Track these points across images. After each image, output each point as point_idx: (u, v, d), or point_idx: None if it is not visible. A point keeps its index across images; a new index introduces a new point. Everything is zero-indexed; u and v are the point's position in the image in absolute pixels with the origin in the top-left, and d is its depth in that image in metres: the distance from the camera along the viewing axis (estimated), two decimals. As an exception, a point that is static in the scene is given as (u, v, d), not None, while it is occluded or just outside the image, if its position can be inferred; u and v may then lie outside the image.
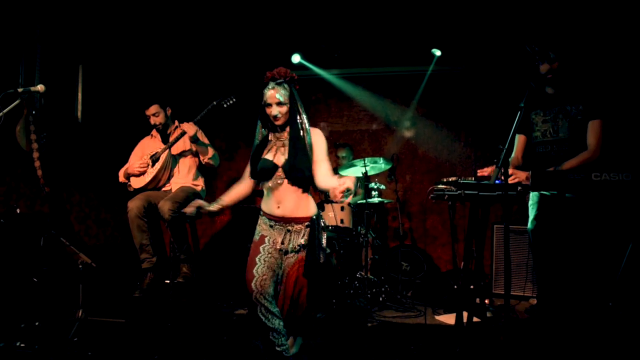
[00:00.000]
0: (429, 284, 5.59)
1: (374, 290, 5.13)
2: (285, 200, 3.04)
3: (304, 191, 3.09)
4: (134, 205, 4.38)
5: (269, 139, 3.14)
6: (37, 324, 4.00)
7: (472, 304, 3.73)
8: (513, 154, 3.73)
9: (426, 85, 6.53)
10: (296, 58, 6.52)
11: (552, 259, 3.40)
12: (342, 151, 6.16)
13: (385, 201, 5.45)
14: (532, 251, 3.66)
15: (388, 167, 5.44)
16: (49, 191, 4.51)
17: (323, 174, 3.07)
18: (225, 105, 4.84)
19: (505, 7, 5.34)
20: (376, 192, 5.43)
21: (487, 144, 6.25)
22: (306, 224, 3.06)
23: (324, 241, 3.09)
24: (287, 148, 3.02)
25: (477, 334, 3.64)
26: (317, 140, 3.10)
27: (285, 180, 3.02)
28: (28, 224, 4.42)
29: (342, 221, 5.18)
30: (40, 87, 2.94)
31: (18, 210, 4.39)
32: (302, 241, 3.02)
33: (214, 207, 3.19)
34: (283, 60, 6.53)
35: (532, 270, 4.80)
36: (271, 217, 3.09)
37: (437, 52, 6.25)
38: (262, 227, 3.13)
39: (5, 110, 2.78)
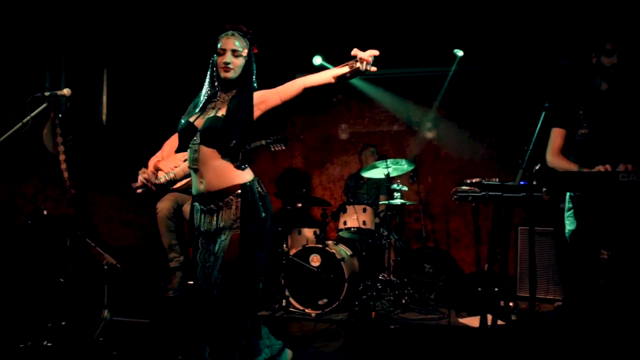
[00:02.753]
0: (452, 286, 5.54)
1: (396, 292, 5.11)
2: (206, 172, 2.55)
3: (233, 162, 2.56)
4: (164, 206, 4.43)
5: (211, 98, 2.68)
6: (63, 323, 4.07)
7: (496, 306, 3.69)
8: (550, 148, 3.60)
9: (448, 86, 6.49)
10: (317, 60, 6.52)
11: (592, 260, 3.31)
12: (368, 152, 6.15)
13: (408, 203, 5.42)
14: (569, 253, 3.56)
15: (410, 168, 5.41)
16: (74, 193, 4.58)
17: (294, 81, 2.61)
18: (272, 149, 4.97)
19: (529, 5, 5.28)
20: (398, 194, 5.40)
21: (511, 145, 6.17)
22: (237, 192, 2.55)
23: (263, 214, 2.58)
24: (217, 109, 2.58)
25: (502, 337, 3.60)
26: (263, 92, 2.65)
27: (202, 147, 2.53)
28: (55, 226, 4.49)
29: (364, 223, 5.17)
30: (66, 91, 2.98)
31: (45, 212, 4.46)
32: (233, 216, 2.53)
33: (162, 180, 2.85)
34: (304, 61, 6.55)
35: (557, 272, 4.72)
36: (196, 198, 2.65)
37: (460, 53, 6.21)
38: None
39: (32, 114, 2.82)
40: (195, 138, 2.55)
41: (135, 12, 5.29)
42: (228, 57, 2.57)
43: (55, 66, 4.70)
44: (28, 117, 2.85)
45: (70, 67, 4.78)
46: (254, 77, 2.67)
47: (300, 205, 5.51)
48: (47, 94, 2.97)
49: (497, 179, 3.06)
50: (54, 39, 4.68)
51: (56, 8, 4.65)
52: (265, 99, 2.60)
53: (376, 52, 2.43)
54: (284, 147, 5.03)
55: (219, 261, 2.50)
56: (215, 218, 2.56)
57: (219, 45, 2.61)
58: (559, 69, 3.50)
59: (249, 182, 2.59)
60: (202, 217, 2.61)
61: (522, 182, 2.86)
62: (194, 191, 2.63)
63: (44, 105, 3.02)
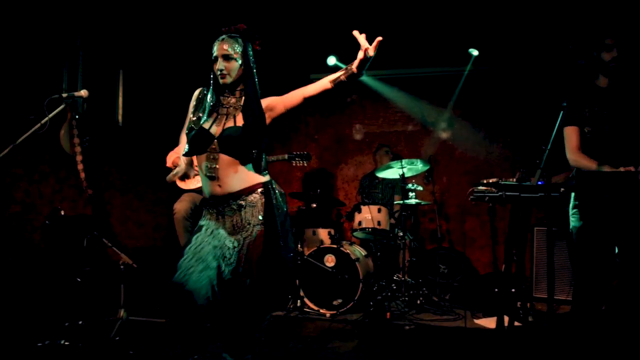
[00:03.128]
0: (467, 287, 5.51)
1: (411, 292, 5.09)
2: (225, 177, 2.53)
3: (255, 169, 2.58)
4: (181, 207, 4.44)
5: (217, 104, 2.64)
6: (80, 322, 4.10)
7: (513, 307, 3.66)
8: (569, 147, 3.57)
9: (463, 86, 6.46)
10: (332, 60, 6.52)
11: (602, 259, 3.28)
12: (382, 152, 6.14)
13: (422, 203, 5.40)
14: (576, 251, 3.53)
15: (425, 168, 5.39)
16: (91, 193, 4.62)
17: (302, 89, 2.57)
18: (294, 164, 5.01)
19: (543, 4, 5.24)
20: (413, 194, 5.38)
21: (527, 145, 6.11)
22: (260, 190, 2.56)
23: (285, 209, 2.62)
24: (231, 116, 2.56)
25: (519, 338, 3.57)
26: (272, 98, 2.62)
27: (222, 155, 2.52)
28: (72, 226, 4.54)
29: (379, 223, 5.15)
30: (83, 92, 3.00)
31: (62, 212, 4.51)
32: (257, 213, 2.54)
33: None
34: (318, 62, 6.55)
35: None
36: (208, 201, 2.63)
37: (475, 52, 6.17)
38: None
39: (50, 115, 2.84)
40: (213, 146, 2.52)
41: (150, 12, 5.33)
42: (220, 64, 2.53)
43: (72, 67, 4.74)
44: (46, 118, 2.87)
45: (86, 68, 4.83)
46: (255, 76, 2.62)
47: (314, 205, 5.51)
48: (64, 95, 2.98)
49: (514, 179, 3.04)
50: (71, 39, 4.72)
51: (72, 9, 4.69)
52: (273, 107, 2.59)
53: (380, 38, 2.46)
54: (305, 164, 5.06)
55: (243, 258, 2.47)
56: (234, 218, 2.53)
57: (212, 52, 2.58)
58: (576, 68, 3.47)
59: (269, 181, 2.61)
60: (218, 217, 2.58)
61: (540, 182, 2.83)
62: (207, 194, 2.60)
63: (61, 107, 3.03)
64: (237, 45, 2.55)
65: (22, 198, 4.34)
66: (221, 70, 2.51)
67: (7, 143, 2.73)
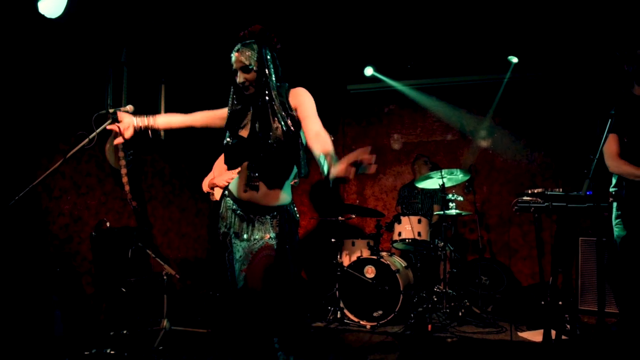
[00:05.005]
0: (510, 299, 5.40)
1: (452, 304, 5.02)
2: (261, 187, 2.52)
3: (281, 178, 2.56)
4: (219, 219, 4.49)
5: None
6: (124, 332, 4.18)
7: (560, 320, 3.57)
8: (608, 154, 3.49)
9: (503, 93, 6.36)
10: (369, 71, 6.53)
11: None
12: (421, 162, 6.09)
13: (463, 213, 5.33)
14: (620, 261, 3.43)
15: (466, 178, 5.32)
16: (135, 205, 4.72)
17: (314, 131, 2.35)
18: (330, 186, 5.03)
19: (586, 9, 5.13)
20: (453, 204, 5.32)
21: (570, 153, 5.98)
22: (280, 211, 2.55)
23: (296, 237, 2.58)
24: (273, 123, 2.45)
25: (568, 352, 3.47)
26: (302, 100, 2.51)
27: (261, 164, 2.50)
28: (116, 237, 4.64)
29: (419, 234, 5.11)
30: (129, 107, 3.07)
31: (108, 224, 4.62)
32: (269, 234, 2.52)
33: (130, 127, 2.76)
34: (356, 73, 6.57)
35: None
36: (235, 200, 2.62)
37: (514, 59, 6.09)
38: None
39: (97, 131, 2.92)
40: (252, 155, 2.49)
41: (192, 26, 5.42)
42: (240, 77, 2.46)
43: (116, 82, 4.86)
44: (94, 134, 2.94)
45: (130, 82, 4.94)
46: (271, 71, 2.48)
47: (354, 216, 5.50)
48: (111, 110, 3.06)
49: (561, 189, 2.97)
50: (115, 55, 4.85)
51: (115, 26, 4.82)
52: (297, 107, 2.49)
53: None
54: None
55: (245, 267, 2.50)
56: (254, 228, 2.53)
57: (231, 65, 2.50)
58: (623, 74, 3.39)
59: (290, 204, 2.60)
60: (240, 221, 2.57)
61: (588, 192, 2.76)
62: (236, 194, 2.58)
63: (108, 122, 3.12)
64: (251, 52, 2.45)
65: (70, 210, 4.46)
66: (242, 84, 2.46)
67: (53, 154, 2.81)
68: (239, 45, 2.47)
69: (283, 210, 2.56)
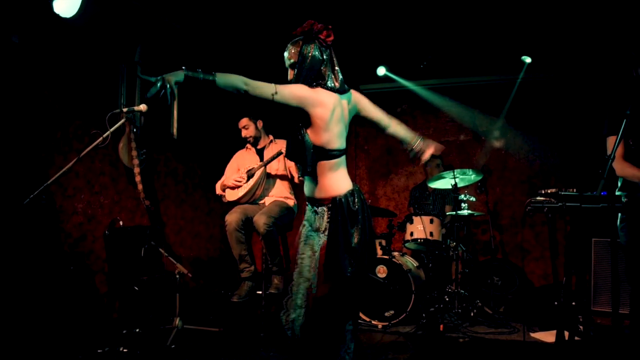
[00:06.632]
0: (522, 300, 5.37)
1: (464, 305, 5.01)
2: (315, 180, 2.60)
3: (331, 169, 2.56)
4: (232, 219, 4.49)
5: None
6: (137, 330, 4.21)
7: (573, 321, 3.54)
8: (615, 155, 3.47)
9: (516, 94, 6.32)
10: (381, 70, 6.52)
11: None
12: (433, 162, 6.05)
13: (475, 214, 5.31)
14: (627, 264, 3.38)
15: (478, 178, 5.29)
16: (148, 204, 4.75)
17: (388, 121, 2.95)
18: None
19: (600, 10, 5.08)
20: (465, 204, 5.30)
21: (583, 153, 5.93)
22: (329, 205, 2.56)
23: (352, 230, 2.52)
24: None
25: (581, 353, 3.45)
26: (360, 98, 2.87)
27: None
28: (129, 236, 4.67)
29: (431, 234, 5.09)
30: (142, 107, 3.09)
31: (121, 223, 4.65)
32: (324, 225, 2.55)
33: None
34: (368, 72, 6.55)
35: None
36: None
37: (528, 60, 6.05)
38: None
39: (111, 130, 2.94)
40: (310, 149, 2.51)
41: (204, 26, 5.43)
42: (290, 75, 2.58)
43: (130, 81, 4.89)
44: (107, 132, 2.98)
45: (143, 81, 4.97)
46: (306, 65, 2.52)
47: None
48: (125, 110, 3.09)
49: (575, 190, 2.95)
50: (128, 55, 4.87)
51: (129, 26, 4.84)
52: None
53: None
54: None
55: (316, 260, 2.54)
56: (319, 219, 2.58)
57: None
58: (633, 79, 3.35)
59: (343, 194, 2.56)
60: (313, 216, 2.63)
61: (603, 193, 2.74)
62: (307, 193, 2.66)
63: (122, 121, 3.14)
64: (294, 49, 2.55)
65: (84, 209, 4.50)
66: (291, 82, 2.53)
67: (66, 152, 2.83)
68: (288, 44, 2.58)
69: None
